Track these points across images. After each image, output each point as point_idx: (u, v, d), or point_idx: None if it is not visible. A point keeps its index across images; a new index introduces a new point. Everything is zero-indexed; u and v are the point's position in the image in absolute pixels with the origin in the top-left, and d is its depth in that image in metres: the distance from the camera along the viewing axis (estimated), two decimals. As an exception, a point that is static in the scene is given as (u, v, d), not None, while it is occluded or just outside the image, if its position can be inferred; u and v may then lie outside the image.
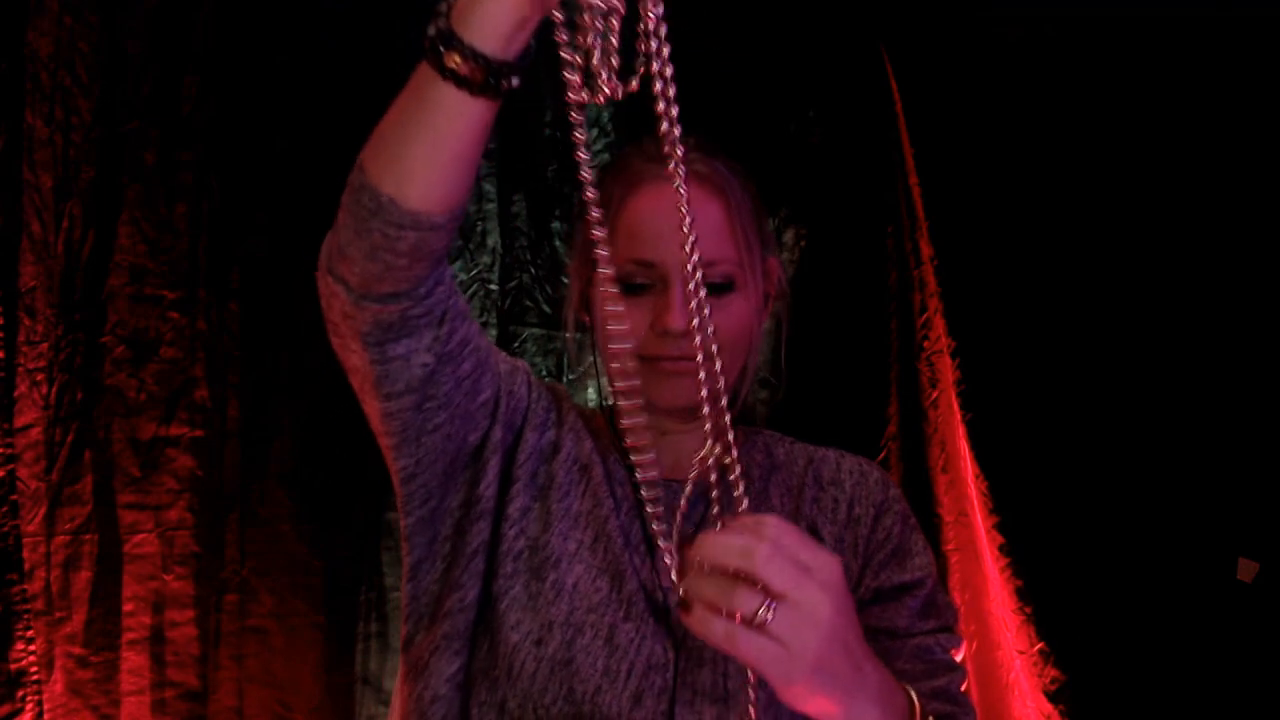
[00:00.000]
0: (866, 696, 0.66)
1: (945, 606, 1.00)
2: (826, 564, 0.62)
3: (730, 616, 0.61)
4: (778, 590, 0.60)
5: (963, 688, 0.95)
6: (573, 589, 0.94)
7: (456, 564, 0.96)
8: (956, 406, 1.99)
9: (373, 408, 0.90)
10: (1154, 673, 1.84)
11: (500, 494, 0.98)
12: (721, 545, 0.62)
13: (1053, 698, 1.90)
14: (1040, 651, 1.91)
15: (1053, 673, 1.90)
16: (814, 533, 1.01)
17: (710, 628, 0.61)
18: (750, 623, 0.60)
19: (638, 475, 1.03)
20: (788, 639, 0.60)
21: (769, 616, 0.60)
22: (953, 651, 0.97)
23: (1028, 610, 1.92)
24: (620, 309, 0.81)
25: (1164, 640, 1.84)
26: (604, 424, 1.07)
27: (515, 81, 0.66)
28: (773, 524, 0.62)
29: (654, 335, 0.94)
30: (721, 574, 0.61)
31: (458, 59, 0.65)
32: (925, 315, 2.04)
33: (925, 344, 2.04)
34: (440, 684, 0.94)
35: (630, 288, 0.96)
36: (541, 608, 0.93)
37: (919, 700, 0.73)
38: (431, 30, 0.67)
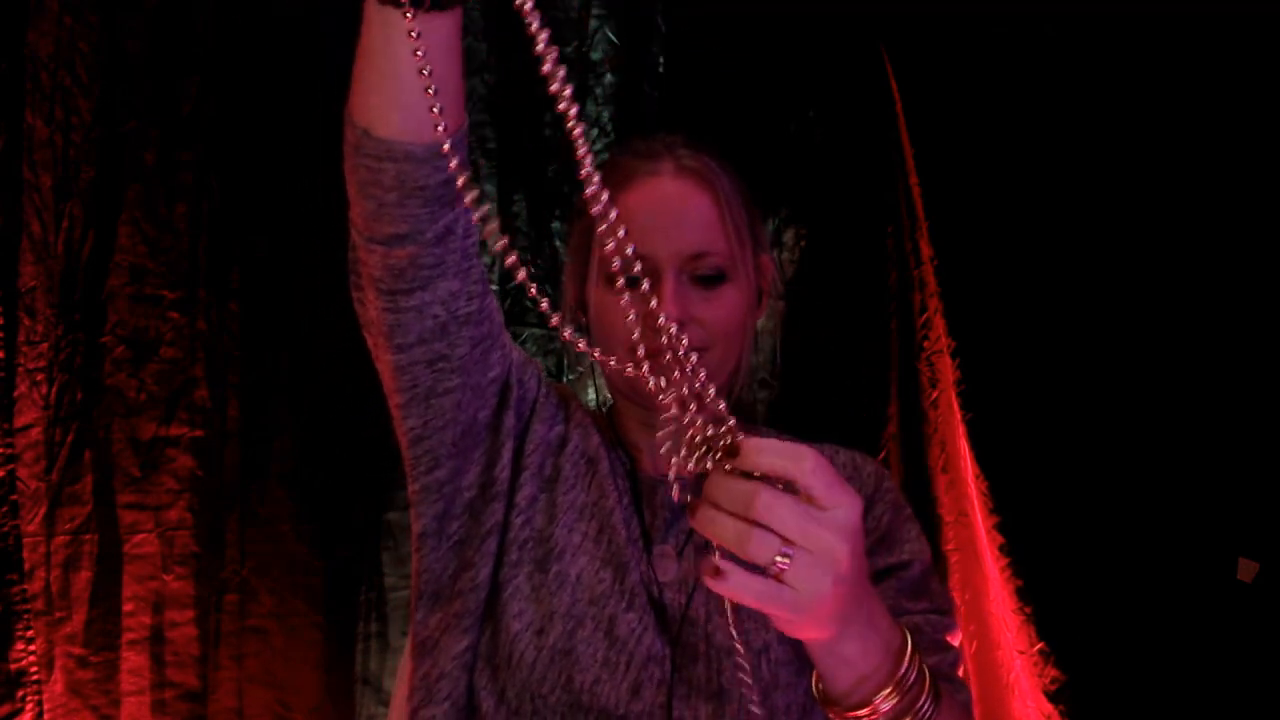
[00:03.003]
0: (858, 626, 0.67)
1: (940, 594, 0.99)
2: (845, 504, 0.61)
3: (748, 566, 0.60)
4: (790, 538, 0.59)
5: (959, 671, 0.95)
6: (576, 580, 0.95)
7: (470, 543, 0.97)
8: (956, 406, 1.99)
9: (385, 361, 0.90)
10: (1154, 673, 1.84)
11: (512, 480, 0.99)
12: (726, 488, 0.60)
13: (1053, 698, 1.90)
14: (1040, 651, 1.91)
15: (1053, 673, 1.90)
16: None
17: (725, 580, 0.60)
18: (765, 571, 0.60)
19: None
20: (802, 588, 0.60)
21: (784, 566, 0.59)
22: (947, 635, 0.96)
23: (1028, 610, 1.92)
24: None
25: (1164, 640, 1.84)
26: (605, 422, 1.08)
27: None
28: (796, 462, 0.60)
29: (646, 328, 0.95)
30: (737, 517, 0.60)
31: None
32: (925, 315, 2.04)
33: (925, 344, 2.04)
34: (448, 662, 0.95)
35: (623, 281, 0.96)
36: (544, 598, 0.93)
37: (912, 639, 0.72)
38: None
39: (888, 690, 0.68)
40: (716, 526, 0.60)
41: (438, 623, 0.96)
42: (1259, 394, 1.81)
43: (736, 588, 0.60)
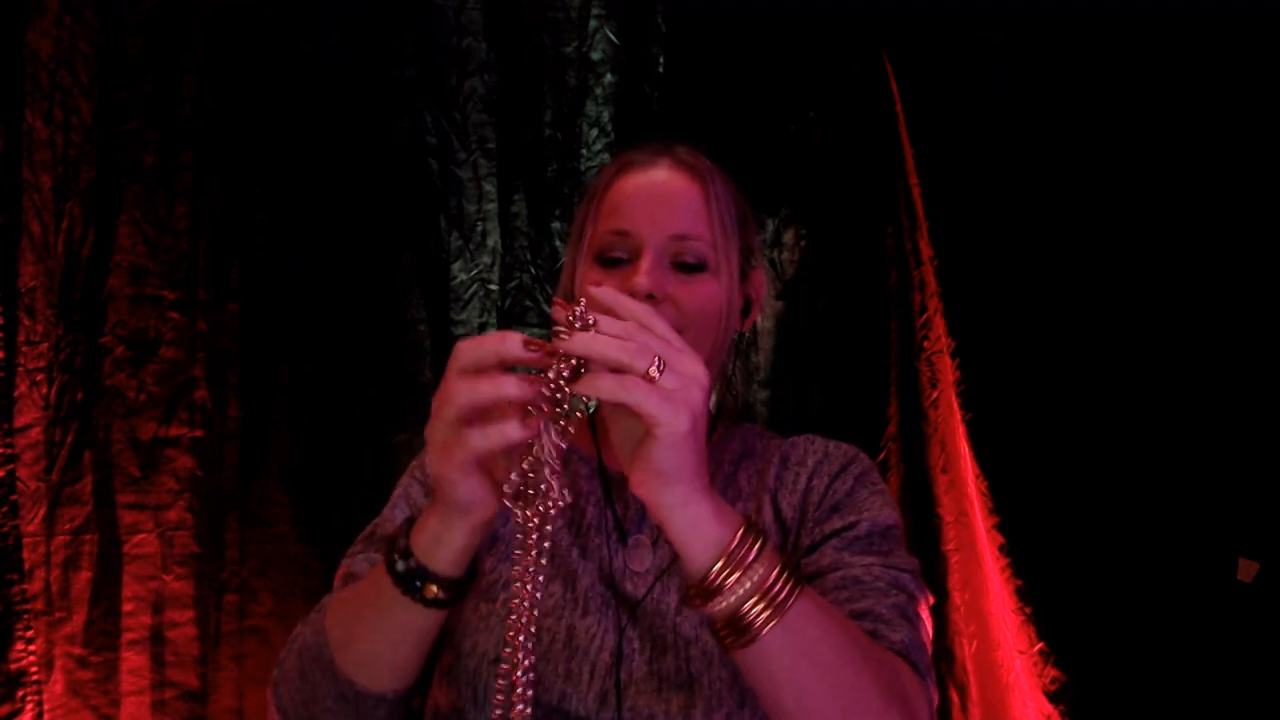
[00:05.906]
0: (680, 508, 0.70)
1: (897, 554, 0.97)
2: (695, 371, 0.68)
3: (620, 372, 0.66)
4: (663, 355, 0.66)
5: (908, 610, 0.90)
6: None
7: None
8: (956, 406, 1.99)
9: None
10: (1154, 673, 1.84)
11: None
12: (619, 301, 0.68)
13: (1053, 698, 1.90)
14: (1040, 651, 1.91)
15: (1053, 673, 1.90)
16: (775, 504, 1.03)
17: (598, 383, 0.66)
18: (643, 376, 0.65)
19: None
20: (675, 390, 0.66)
21: (658, 374, 0.65)
22: (895, 584, 0.92)
23: (1028, 610, 1.92)
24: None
25: (1164, 640, 1.84)
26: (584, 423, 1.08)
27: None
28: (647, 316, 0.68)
29: None
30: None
31: (434, 589, 0.77)
32: (925, 315, 2.04)
33: (925, 344, 2.04)
34: None
35: (608, 261, 0.99)
36: (494, 626, 0.93)
37: (751, 525, 0.73)
38: (401, 567, 0.77)
39: (719, 565, 0.70)
40: (597, 343, 0.66)
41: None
42: (1258, 394, 1.81)
43: (611, 387, 0.65)
